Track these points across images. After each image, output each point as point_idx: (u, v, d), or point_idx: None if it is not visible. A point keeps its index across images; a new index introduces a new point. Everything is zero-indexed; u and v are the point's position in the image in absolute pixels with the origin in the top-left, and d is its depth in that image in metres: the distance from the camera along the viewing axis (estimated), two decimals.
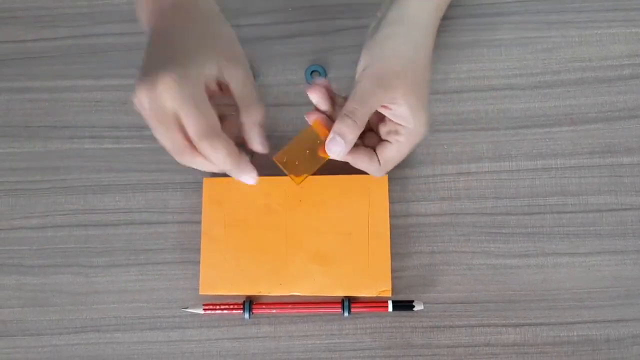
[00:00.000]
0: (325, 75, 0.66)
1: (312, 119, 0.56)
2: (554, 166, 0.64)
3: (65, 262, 0.63)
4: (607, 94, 0.65)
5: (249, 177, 0.54)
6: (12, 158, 0.65)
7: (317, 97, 0.55)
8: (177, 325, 0.62)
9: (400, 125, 0.55)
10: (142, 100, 0.48)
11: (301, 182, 0.56)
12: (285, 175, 0.63)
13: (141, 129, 0.66)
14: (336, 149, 0.54)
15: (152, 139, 0.65)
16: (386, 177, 0.62)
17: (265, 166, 0.64)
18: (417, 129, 0.55)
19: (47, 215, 0.64)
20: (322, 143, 0.54)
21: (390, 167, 0.57)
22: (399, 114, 0.54)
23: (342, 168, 0.62)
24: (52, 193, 0.65)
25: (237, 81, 0.51)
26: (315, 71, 0.66)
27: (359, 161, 0.56)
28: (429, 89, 0.57)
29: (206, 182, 0.63)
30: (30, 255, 0.64)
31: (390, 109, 0.54)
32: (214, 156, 0.50)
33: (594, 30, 0.66)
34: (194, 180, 0.64)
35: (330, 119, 0.55)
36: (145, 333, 0.62)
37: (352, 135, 0.53)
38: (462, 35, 0.66)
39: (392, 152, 0.56)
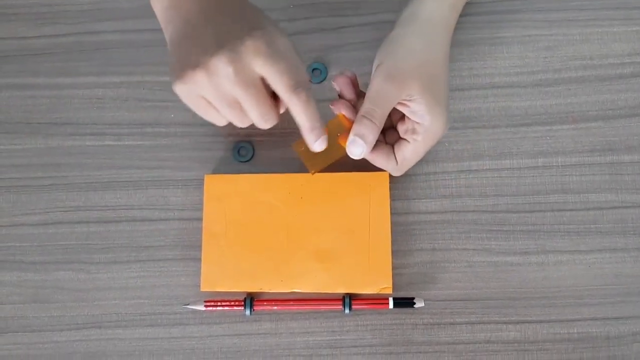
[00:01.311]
0: (326, 73, 0.66)
1: (336, 107, 0.56)
2: (555, 164, 0.64)
3: (66, 258, 0.63)
4: (608, 92, 0.65)
5: (322, 140, 0.52)
6: (13, 154, 0.66)
7: (339, 85, 0.56)
8: (178, 321, 0.62)
9: (418, 123, 0.55)
10: (223, 71, 0.47)
11: (315, 172, 0.56)
12: (287, 172, 0.63)
13: (142, 126, 0.66)
14: (357, 150, 0.54)
15: (153, 135, 0.65)
16: (387, 174, 0.62)
17: (266, 163, 0.64)
18: (434, 127, 0.55)
19: (48, 212, 0.64)
20: (343, 135, 0.54)
21: (407, 166, 0.58)
22: (416, 110, 0.54)
23: (344, 165, 0.62)
24: (53, 190, 0.65)
25: (278, 75, 0.49)
26: (317, 69, 0.66)
27: (377, 160, 0.57)
28: (447, 88, 0.57)
29: (207, 178, 0.63)
30: (32, 251, 0.64)
31: (407, 106, 0.54)
32: (306, 106, 0.50)
33: (596, 28, 0.66)
34: (195, 177, 0.64)
35: (355, 110, 0.55)
36: (146, 329, 0.62)
37: (372, 136, 0.54)
38: (464, 33, 0.66)
39: (409, 151, 0.56)
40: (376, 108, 0.53)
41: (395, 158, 0.57)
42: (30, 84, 0.67)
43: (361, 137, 0.53)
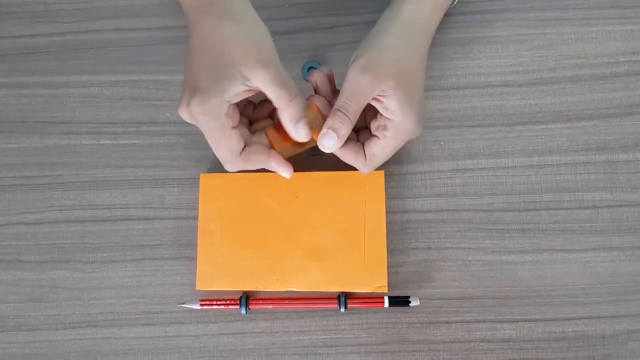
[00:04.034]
0: None
1: (311, 101, 0.56)
2: (549, 163, 0.64)
3: (62, 257, 0.63)
4: (603, 91, 0.65)
5: (284, 173, 0.57)
6: (9, 154, 0.65)
7: (315, 80, 0.57)
8: (173, 320, 0.62)
9: (389, 119, 0.55)
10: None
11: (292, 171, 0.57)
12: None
13: (138, 125, 0.66)
14: (329, 143, 0.55)
15: (149, 134, 0.65)
16: (382, 173, 0.62)
17: None
18: (404, 125, 0.55)
19: (44, 211, 0.64)
20: (315, 128, 0.55)
21: (376, 163, 0.57)
22: (389, 107, 0.55)
23: (339, 164, 0.62)
24: (49, 189, 0.65)
25: (265, 85, 0.53)
26: (312, 68, 0.66)
27: (346, 155, 0.57)
28: (422, 89, 0.57)
29: (203, 177, 0.63)
30: (27, 250, 0.64)
31: (381, 102, 0.55)
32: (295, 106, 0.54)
33: (590, 27, 0.66)
34: (191, 176, 0.64)
35: (330, 106, 0.56)
36: (142, 328, 0.62)
37: (345, 129, 0.54)
38: (459, 32, 0.66)
39: (378, 147, 0.56)
40: (350, 102, 0.54)
41: (365, 154, 0.57)
42: (25, 82, 0.67)
43: (334, 130, 0.54)
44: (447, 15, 0.66)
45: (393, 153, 0.57)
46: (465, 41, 0.66)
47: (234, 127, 0.54)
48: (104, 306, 0.62)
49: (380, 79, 0.54)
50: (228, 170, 0.56)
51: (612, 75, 0.65)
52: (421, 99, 0.57)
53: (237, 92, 0.53)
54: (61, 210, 0.64)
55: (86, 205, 0.64)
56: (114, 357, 0.61)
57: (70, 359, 0.62)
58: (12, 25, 0.68)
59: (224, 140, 0.54)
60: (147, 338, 0.62)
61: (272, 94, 0.53)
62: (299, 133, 0.55)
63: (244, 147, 0.55)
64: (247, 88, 0.53)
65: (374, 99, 0.55)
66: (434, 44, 0.65)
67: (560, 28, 0.66)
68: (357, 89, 0.54)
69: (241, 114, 0.57)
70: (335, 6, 0.67)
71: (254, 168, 0.56)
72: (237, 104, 0.55)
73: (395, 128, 0.55)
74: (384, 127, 0.56)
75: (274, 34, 0.66)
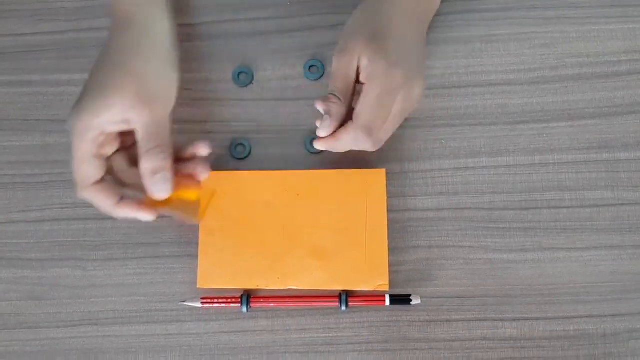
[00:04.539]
0: (324, 70, 0.66)
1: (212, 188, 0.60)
2: (551, 161, 0.64)
3: (63, 255, 0.63)
4: (605, 89, 0.65)
5: (143, 217, 0.56)
6: (10, 151, 0.65)
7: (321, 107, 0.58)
8: (174, 318, 0.62)
9: (364, 71, 0.56)
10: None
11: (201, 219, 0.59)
12: (284, 169, 0.63)
13: None
14: (324, 124, 0.56)
15: None
16: (384, 171, 0.62)
17: (263, 161, 0.64)
18: (376, 69, 0.55)
19: (45, 209, 0.64)
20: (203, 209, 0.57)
21: (373, 130, 0.56)
22: (362, 64, 0.56)
23: (341, 163, 0.63)
24: (50, 187, 0.65)
25: (140, 125, 0.53)
26: (314, 66, 0.66)
27: (345, 138, 0.57)
28: (405, 41, 0.57)
29: None
30: (28, 248, 0.64)
31: (360, 71, 0.56)
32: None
33: (592, 26, 0.66)
34: None
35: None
36: (142, 326, 0.62)
37: (335, 108, 0.56)
38: (460, 31, 0.66)
39: (361, 103, 0.56)
40: (336, 83, 0.56)
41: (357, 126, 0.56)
42: (27, 81, 0.67)
43: (327, 112, 0.56)
44: (448, 13, 0.66)
45: (377, 108, 0.55)
46: (467, 40, 0.66)
47: (95, 156, 0.53)
48: (105, 304, 0.62)
49: (353, 50, 0.56)
50: (77, 194, 0.54)
51: (614, 74, 0.65)
52: (406, 51, 0.57)
53: (110, 120, 0.52)
54: (62, 208, 0.64)
55: (87, 203, 0.64)
56: (115, 355, 0.61)
57: (71, 357, 0.62)
58: (14, 24, 0.68)
59: (78, 163, 0.53)
60: (148, 336, 0.62)
61: (139, 136, 0.53)
62: (154, 186, 0.53)
63: (100, 179, 0.54)
64: (122, 121, 0.52)
65: (357, 74, 0.56)
66: (435, 42, 0.65)
67: (562, 27, 0.66)
68: (338, 69, 0.56)
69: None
70: (336, 4, 0.67)
71: (103, 205, 0.55)
72: (124, 139, 0.55)
73: (368, 75, 0.55)
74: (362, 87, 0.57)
75: (275, 32, 0.67)
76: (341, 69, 0.56)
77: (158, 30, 0.57)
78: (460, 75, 0.66)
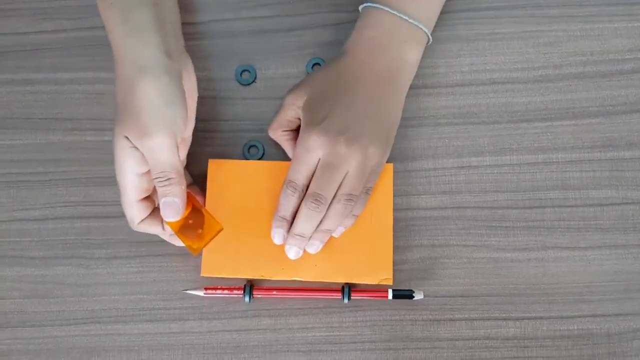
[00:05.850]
0: None
1: (206, 210, 0.59)
2: (555, 160, 0.64)
3: (66, 253, 0.63)
4: (609, 88, 0.65)
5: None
6: (14, 150, 0.66)
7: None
8: (177, 317, 0.62)
9: None
10: None
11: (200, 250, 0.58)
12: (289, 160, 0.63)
13: None
14: (277, 232, 0.60)
15: None
16: (391, 165, 0.62)
17: (270, 154, 0.64)
18: (301, 132, 0.59)
19: (48, 207, 0.64)
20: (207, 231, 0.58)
21: (311, 192, 0.58)
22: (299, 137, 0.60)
23: None
24: (53, 185, 0.65)
25: (145, 154, 0.54)
26: (317, 64, 0.66)
27: (301, 226, 0.59)
28: (338, 103, 0.58)
29: (211, 163, 0.63)
30: (32, 247, 0.64)
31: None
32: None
33: (596, 24, 0.66)
34: (193, 172, 0.64)
35: None
36: (146, 324, 0.62)
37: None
38: (464, 29, 0.66)
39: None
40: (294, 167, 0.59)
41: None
42: (30, 79, 0.67)
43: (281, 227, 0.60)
44: (452, 12, 0.66)
45: (329, 182, 0.57)
46: (471, 38, 0.66)
47: (137, 201, 0.56)
48: (108, 302, 0.62)
49: (291, 107, 0.61)
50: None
51: (617, 72, 0.65)
52: (350, 118, 0.58)
53: (133, 165, 0.55)
54: (65, 206, 0.64)
55: (90, 201, 0.64)
56: (118, 353, 0.62)
57: (74, 355, 0.62)
58: (17, 22, 0.68)
59: (124, 207, 0.57)
60: (151, 334, 0.62)
61: (154, 165, 0.54)
62: (162, 210, 0.56)
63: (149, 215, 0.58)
64: (139, 158, 0.54)
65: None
66: (439, 40, 0.65)
67: (565, 25, 0.66)
68: (296, 156, 0.59)
69: None
70: (339, 3, 0.67)
71: (156, 233, 0.59)
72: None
73: (299, 141, 0.59)
74: None
75: (278, 30, 0.67)
76: (283, 119, 0.62)
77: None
78: (463, 73, 0.65)
